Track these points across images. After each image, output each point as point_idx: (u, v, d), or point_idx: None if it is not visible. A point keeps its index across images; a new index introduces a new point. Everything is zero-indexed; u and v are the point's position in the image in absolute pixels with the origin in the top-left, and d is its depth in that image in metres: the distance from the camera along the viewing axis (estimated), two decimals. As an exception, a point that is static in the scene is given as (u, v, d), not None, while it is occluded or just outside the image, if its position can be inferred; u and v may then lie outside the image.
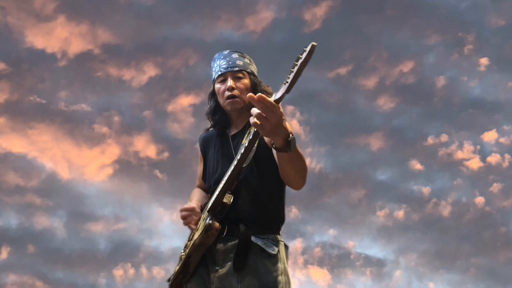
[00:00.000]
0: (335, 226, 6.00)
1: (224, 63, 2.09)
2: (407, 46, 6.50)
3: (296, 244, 5.72)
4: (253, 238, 1.88)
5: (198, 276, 1.95)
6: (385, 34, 6.51)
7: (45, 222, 5.71)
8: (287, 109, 6.17)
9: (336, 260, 5.80)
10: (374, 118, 6.40)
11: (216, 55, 2.15)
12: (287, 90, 1.54)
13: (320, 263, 5.79)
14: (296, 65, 1.50)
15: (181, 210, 2.03)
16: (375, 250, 5.93)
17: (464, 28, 6.36)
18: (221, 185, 1.90)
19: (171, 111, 6.22)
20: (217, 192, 1.91)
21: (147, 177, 6.06)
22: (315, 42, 1.47)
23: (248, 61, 2.12)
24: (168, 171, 6.03)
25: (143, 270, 5.53)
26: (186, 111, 6.19)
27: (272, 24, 6.34)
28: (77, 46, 6.17)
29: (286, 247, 1.98)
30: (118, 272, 5.53)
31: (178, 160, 6.13)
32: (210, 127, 2.20)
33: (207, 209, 1.94)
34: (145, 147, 6.15)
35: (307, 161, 1.80)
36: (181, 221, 2.13)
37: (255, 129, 1.69)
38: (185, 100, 6.23)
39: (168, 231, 5.82)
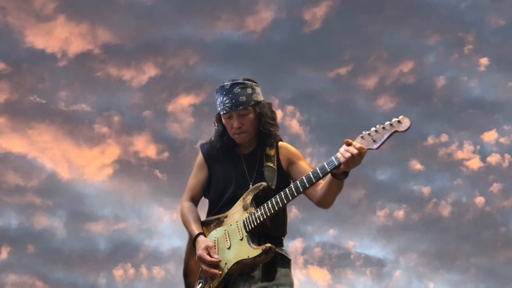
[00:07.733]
0: (335, 226, 6.01)
1: (227, 101, 2.12)
2: (407, 46, 6.50)
3: (296, 244, 5.73)
4: (277, 249, 2.06)
5: None
6: (385, 34, 6.51)
7: (45, 222, 5.72)
8: (287, 109, 6.19)
9: (336, 260, 5.80)
10: (374, 118, 6.40)
11: (218, 88, 2.17)
12: (377, 148, 1.88)
13: (320, 263, 5.80)
14: (387, 130, 1.89)
15: (209, 264, 2.05)
16: (375, 250, 5.93)
17: (464, 28, 6.36)
18: (270, 211, 2.00)
19: (171, 111, 6.22)
20: (263, 217, 2.00)
21: (147, 177, 6.06)
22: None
23: (250, 91, 2.15)
24: (168, 171, 6.04)
25: (143, 270, 5.53)
26: (186, 111, 6.19)
27: (272, 24, 6.34)
28: (77, 46, 6.18)
29: None
30: (118, 272, 5.54)
31: (178, 160, 6.14)
32: (219, 147, 2.24)
33: (247, 230, 2.03)
34: (145, 147, 6.15)
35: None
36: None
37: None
38: (185, 100, 6.23)
39: (168, 231, 5.83)
